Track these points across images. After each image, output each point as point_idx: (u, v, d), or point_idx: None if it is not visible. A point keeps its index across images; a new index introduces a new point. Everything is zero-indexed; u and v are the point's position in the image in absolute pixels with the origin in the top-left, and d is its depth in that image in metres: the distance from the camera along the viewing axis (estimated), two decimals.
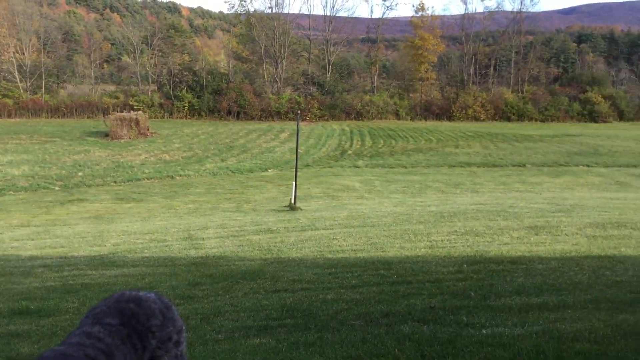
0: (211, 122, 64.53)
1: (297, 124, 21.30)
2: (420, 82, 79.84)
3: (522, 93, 79.14)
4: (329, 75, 77.91)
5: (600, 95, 75.70)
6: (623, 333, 4.66)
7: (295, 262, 9.35)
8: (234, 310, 6.23)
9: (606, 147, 43.35)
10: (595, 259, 8.49)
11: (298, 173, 21.44)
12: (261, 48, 75.00)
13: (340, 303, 6.28)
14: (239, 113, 68.31)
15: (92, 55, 79.85)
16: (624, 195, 21.78)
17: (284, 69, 75.41)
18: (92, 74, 76.76)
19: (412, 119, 72.77)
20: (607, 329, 4.79)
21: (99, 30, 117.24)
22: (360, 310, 5.93)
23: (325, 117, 69.56)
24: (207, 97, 68.50)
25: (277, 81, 74.80)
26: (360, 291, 6.86)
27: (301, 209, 18.96)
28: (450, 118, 72.94)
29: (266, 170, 35.45)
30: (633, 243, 9.89)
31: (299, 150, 22.91)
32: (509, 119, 73.63)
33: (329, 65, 78.99)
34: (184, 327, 2.53)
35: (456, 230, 12.19)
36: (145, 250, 11.21)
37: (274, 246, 11.09)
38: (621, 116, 76.11)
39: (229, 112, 68.31)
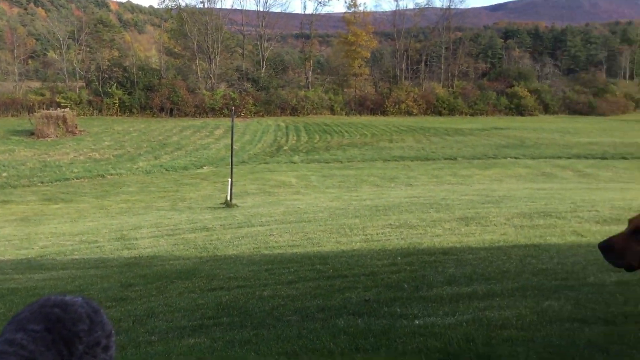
0: (143, 119, 63.04)
1: (232, 120, 21.12)
2: (354, 78, 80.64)
3: (453, 88, 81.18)
4: (263, 71, 77.55)
5: (526, 90, 78.52)
6: (548, 319, 4.86)
7: (232, 259, 9.28)
8: (168, 310, 6.13)
9: (532, 140, 44.99)
10: (522, 248, 8.81)
11: (234, 170, 21.27)
12: (194, 43, 73.87)
13: (277, 299, 6.28)
14: (172, 110, 67.03)
15: (15, 51, 76.55)
16: (550, 185, 22.70)
17: (217, 64, 74.53)
18: (16, 70, 73.58)
19: (347, 114, 73.38)
20: (533, 316, 4.98)
21: (23, 25, 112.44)
22: (296, 305, 5.95)
23: (261, 113, 69.22)
24: (138, 93, 66.83)
25: (210, 77, 73.86)
26: (296, 287, 6.88)
27: (237, 206, 18.82)
28: (384, 113, 73.99)
29: (201, 167, 34.97)
30: (558, 232, 10.32)
31: (234, 147, 22.72)
32: (440, 114, 75.36)
33: (263, 60, 78.61)
34: (113, 331, 2.47)
35: (391, 224, 12.38)
36: (75, 252, 10.87)
37: (210, 244, 10.97)
38: (546, 109, 79.16)
39: (162, 109, 66.91)
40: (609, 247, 2.75)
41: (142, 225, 14.75)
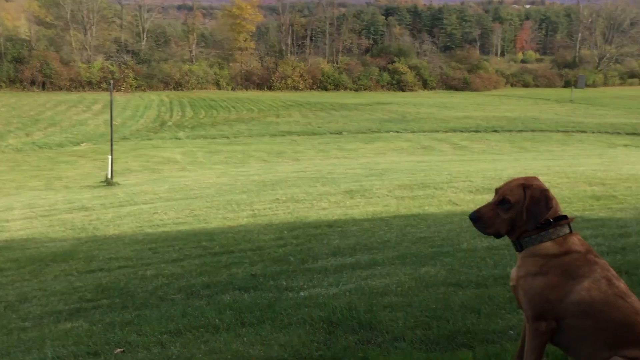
0: (13, 93, 58.72)
1: (111, 95, 20.20)
2: (240, 52, 79.56)
3: (337, 63, 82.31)
4: (144, 43, 74.58)
5: (406, 66, 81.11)
6: (425, 284, 5.11)
7: (113, 239, 8.95)
8: (43, 295, 5.81)
9: (413, 114, 46.70)
10: (403, 218, 9.17)
11: (115, 146, 20.41)
12: (67, 13, 69.48)
13: (161, 278, 6.14)
14: (45, 83, 62.92)
15: None
16: (429, 158, 23.75)
17: (93, 35, 70.67)
18: None
19: (233, 89, 72.42)
20: (412, 282, 5.22)
21: None
22: (181, 284, 5.85)
23: (143, 88, 66.66)
24: (6, 65, 62.09)
25: (86, 49, 69.95)
26: (181, 265, 6.76)
27: (119, 184, 18.12)
28: (270, 88, 73.75)
29: (79, 144, 33.22)
30: (435, 202, 10.83)
31: (114, 123, 21.77)
32: (326, 89, 76.25)
33: (143, 32, 75.55)
34: None
35: (278, 198, 12.44)
36: None
37: (89, 224, 10.50)
38: (425, 85, 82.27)
39: (33, 82, 62.64)
40: (478, 217, 2.93)
41: (13, 207, 13.83)
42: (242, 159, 26.69)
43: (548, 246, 2.84)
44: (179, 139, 35.59)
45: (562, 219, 2.88)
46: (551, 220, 2.86)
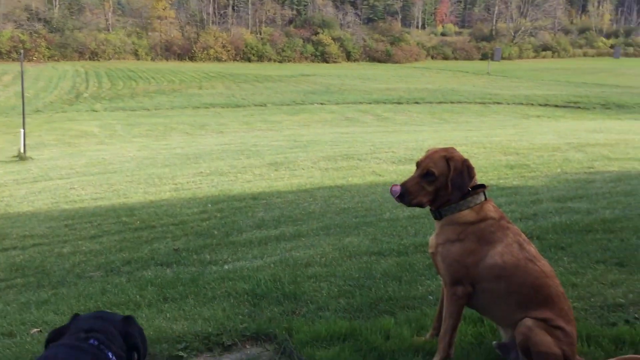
0: None
1: (22, 65, 19.17)
2: (159, 21, 77.06)
3: (261, 34, 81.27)
4: (56, 10, 70.96)
5: (330, 37, 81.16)
6: (349, 254, 5.19)
7: (27, 216, 8.57)
8: None
9: (337, 86, 46.89)
10: (327, 190, 9.25)
11: (27, 119, 19.43)
12: None
13: (78, 255, 5.95)
14: None
15: None
16: (352, 129, 23.97)
17: (2, 3, 66.46)
18: None
19: (152, 60, 70.25)
20: (335, 252, 5.28)
21: None
22: (99, 260, 5.68)
23: (56, 58, 63.59)
24: None
25: None
26: (100, 241, 6.57)
27: (33, 159, 17.32)
28: (192, 58, 72.04)
29: None
30: (359, 173, 10.98)
31: (26, 94, 20.69)
32: (249, 60, 75.28)
33: None
34: None
35: (202, 172, 12.27)
36: None
37: (1, 201, 10.02)
38: (348, 57, 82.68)
39: None
40: (404, 193, 2.99)
41: None
42: (164, 131, 26.04)
43: (466, 214, 2.94)
44: (96, 111, 34.27)
45: (480, 187, 2.99)
46: (470, 189, 2.95)
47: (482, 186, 3.00)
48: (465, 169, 2.93)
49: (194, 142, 20.70)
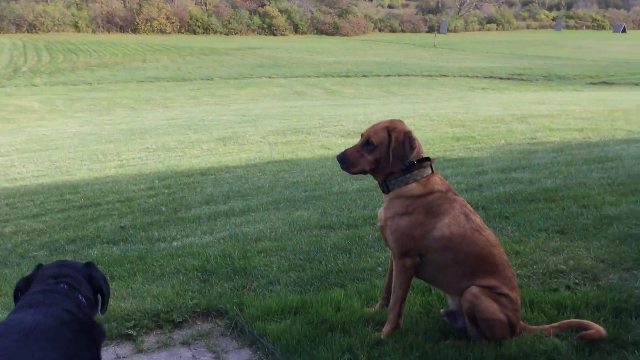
0: None
1: None
2: None
3: (206, 5, 79.56)
4: None
5: (277, 9, 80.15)
6: (299, 228, 5.20)
7: None
8: None
9: (284, 59, 46.54)
10: (276, 164, 9.22)
11: None
12: None
13: (20, 235, 5.77)
14: None
15: None
16: (301, 103, 23.88)
17: None
18: None
19: (93, 32, 67.99)
20: (285, 226, 5.28)
21: None
22: (43, 240, 5.53)
23: None
24: None
25: None
26: (43, 220, 6.38)
27: None
28: (135, 31, 70.03)
29: None
30: (308, 146, 10.98)
31: None
32: (194, 32, 73.71)
33: None
34: None
35: (148, 147, 12.04)
36: None
37: None
38: (296, 29, 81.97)
39: None
40: (344, 158, 3.04)
41: None
42: (107, 106, 25.34)
43: (413, 187, 2.98)
44: (36, 85, 33.04)
45: (425, 160, 3.03)
46: (415, 162, 2.99)
47: (428, 159, 3.05)
48: (406, 140, 2.97)
49: (139, 117, 20.24)
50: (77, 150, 12.17)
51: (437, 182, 3.01)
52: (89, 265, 2.54)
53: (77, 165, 10.37)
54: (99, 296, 2.51)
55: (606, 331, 2.86)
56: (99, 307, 2.51)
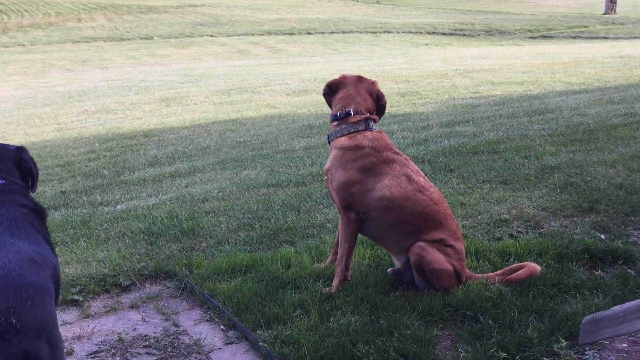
0: None
1: None
2: None
3: None
4: None
5: None
6: (246, 187, 5.15)
7: None
8: None
9: (226, 17, 45.43)
10: (222, 124, 9.09)
11: None
12: None
13: None
14: None
15: None
16: (245, 62, 23.47)
17: None
18: None
19: None
20: (233, 186, 5.23)
21: None
22: None
23: None
24: None
25: None
26: None
27: None
28: None
29: None
30: (253, 106, 10.84)
31: None
32: None
33: None
34: None
35: (87, 110, 11.67)
36: None
37: None
38: None
39: None
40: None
41: None
42: (42, 68, 24.29)
43: (342, 140, 3.08)
44: None
45: (347, 115, 3.09)
46: (338, 114, 3.11)
47: (349, 114, 3.10)
48: (333, 85, 3.23)
49: (77, 79, 19.52)
50: (12, 115, 11.67)
51: (366, 137, 3.03)
52: (20, 149, 2.54)
53: (13, 130, 9.96)
54: (29, 178, 2.53)
55: (547, 273, 2.98)
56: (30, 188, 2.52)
